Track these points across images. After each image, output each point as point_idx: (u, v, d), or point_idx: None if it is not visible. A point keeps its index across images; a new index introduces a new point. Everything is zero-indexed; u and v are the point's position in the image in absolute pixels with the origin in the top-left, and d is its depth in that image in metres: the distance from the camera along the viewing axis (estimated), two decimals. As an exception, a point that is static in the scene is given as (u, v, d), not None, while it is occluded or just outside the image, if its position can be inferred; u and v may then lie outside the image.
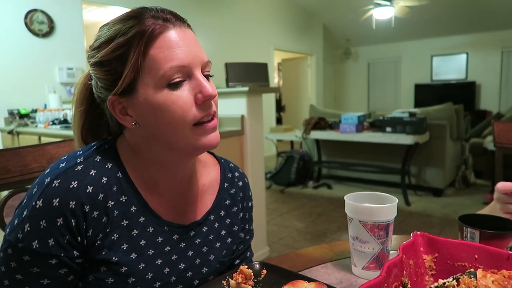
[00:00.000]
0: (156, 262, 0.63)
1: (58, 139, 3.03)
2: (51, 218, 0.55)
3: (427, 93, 8.59)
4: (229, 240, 0.74)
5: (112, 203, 0.59)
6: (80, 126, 0.68)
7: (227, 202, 0.75)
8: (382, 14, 6.04)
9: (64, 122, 3.15)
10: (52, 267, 0.56)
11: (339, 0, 7.30)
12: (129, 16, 0.59)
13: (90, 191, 0.57)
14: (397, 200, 0.69)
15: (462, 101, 7.71)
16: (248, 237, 0.82)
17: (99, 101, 0.64)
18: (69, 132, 2.69)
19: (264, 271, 0.67)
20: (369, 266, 0.68)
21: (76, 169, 0.58)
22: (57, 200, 0.55)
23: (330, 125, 4.35)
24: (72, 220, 0.55)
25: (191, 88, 0.58)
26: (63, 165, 0.59)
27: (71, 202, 0.55)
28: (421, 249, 0.63)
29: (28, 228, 0.54)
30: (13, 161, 0.97)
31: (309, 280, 0.60)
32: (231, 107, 2.43)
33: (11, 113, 3.63)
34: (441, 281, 0.56)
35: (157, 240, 0.64)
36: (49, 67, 4.00)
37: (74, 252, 0.57)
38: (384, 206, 0.66)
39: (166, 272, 0.65)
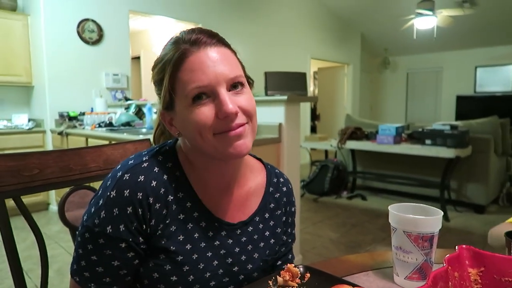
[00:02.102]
0: (207, 254, 0.69)
1: (104, 141, 3.20)
2: (122, 207, 0.62)
3: (470, 105, 8.24)
4: (272, 241, 0.78)
5: (172, 197, 0.67)
6: (154, 129, 0.82)
7: (272, 205, 0.80)
8: (423, 24, 5.90)
9: (109, 125, 3.32)
10: (122, 250, 0.63)
11: (378, 9, 7.21)
12: (169, 42, 0.67)
13: (154, 185, 0.65)
14: (442, 213, 0.69)
15: (507, 114, 7.35)
16: (290, 240, 0.85)
17: None
18: (114, 135, 2.83)
19: (308, 275, 0.70)
20: (412, 276, 0.69)
21: (142, 166, 0.66)
22: (127, 191, 0.63)
23: (366, 135, 4.29)
24: (139, 209, 0.63)
25: (214, 105, 0.63)
26: (132, 162, 0.67)
27: (138, 194, 0.63)
28: (466, 262, 0.64)
29: (104, 215, 0.62)
30: (74, 160, 1.06)
31: (353, 285, 0.62)
32: (270, 115, 2.47)
33: (61, 115, 3.87)
34: (487, 295, 0.57)
35: (208, 234, 0.70)
36: (97, 73, 4.24)
37: (140, 238, 0.64)
38: (429, 218, 0.67)
39: (215, 265, 0.70)
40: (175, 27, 5.97)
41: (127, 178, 0.64)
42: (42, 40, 3.84)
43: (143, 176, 0.64)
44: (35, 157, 0.98)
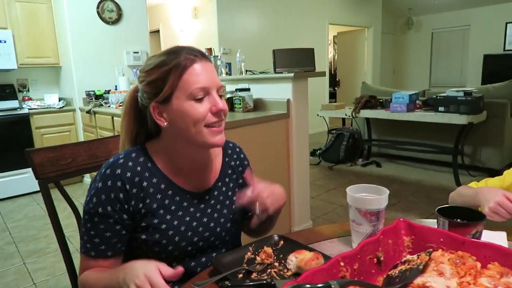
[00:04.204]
0: (186, 219, 0.92)
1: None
2: (107, 193, 0.85)
3: (499, 65, 7.88)
4: (234, 198, 1.01)
5: (146, 183, 0.88)
6: (129, 129, 0.95)
7: (229, 171, 1.03)
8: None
9: (132, 103, 3.55)
10: (111, 224, 0.86)
11: (400, -33, 6.92)
12: (171, 52, 0.86)
13: (129, 175, 0.87)
14: (388, 192, 0.86)
15: (538, 73, 7.05)
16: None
17: (142, 108, 0.91)
18: (137, 113, 3.05)
19: (282, 242, 0.90)
20: (363, 242, 0.86)
21: (119, 162, 0.88)
22: (110, 181, 0.85)
23: (381, 103, 4.34)
24: (120, 194, 0.85)
25: (208, 103, 0.85)
26: (111, 160, 0.89)
27: (118, 182, 0.85)
28: (402, 232, 0.81)
29: (95, 200, 0.85)
30: (100, 148, 1.28)
31: (311, 250, 0.81)
32: (278, 91, 2.61)
33: (88, 94, 4.14)
34: (408, 256, 0.74)
35: (183, 204, 0.92)
36: (118, 51, 4.44)
37: (124, 215, 0.86)
38: (374, 197, 0.84)
39: (194, 225, 0.92)
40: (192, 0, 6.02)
41: (108, 172, 0.86)
42: (66, 22, 4.05)
43: (119, 170, 0.86)
44: (69, 148, 1.20)
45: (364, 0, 7.85)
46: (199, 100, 0.83)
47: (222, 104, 0.85)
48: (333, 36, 9.33)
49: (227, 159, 1.04)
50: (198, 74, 0.83)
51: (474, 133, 3.85)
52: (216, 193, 0.98)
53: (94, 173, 1.26)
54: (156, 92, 0.85)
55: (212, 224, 0.95)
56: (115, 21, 4.37)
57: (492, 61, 8.05)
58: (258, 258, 0.85)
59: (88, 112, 3.89)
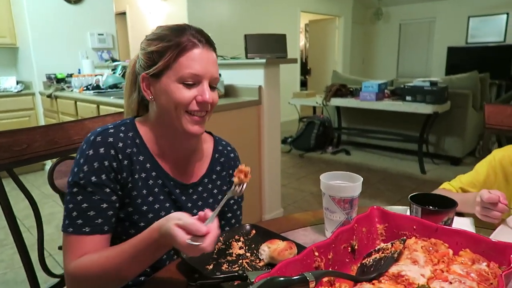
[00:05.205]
0: (166, 205, 0.88)
1: (92, 105, 3.27)
2: (100, 160, 0.79)
3: (461, 57, 8.18)
4: (219, 197, 0.96)
5: (134, 158, 0.84)
6: (128, 95, 0.94)
7: (218, 168, 0.98)
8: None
9: (96, 87, 3.39)
10: (107, 194, 0.79)
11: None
12: (176, 28, 0.83)
13: (121, 146, 0.82)
14: (362, 179, 0.84)
15: (498, 66, 7.35)
16: (240, 200, 1.02)
17: (136, 74, 0.88)
18: (101, 98, 2.92)
19: (253, 231, 0.87)
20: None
21: (109, 131, 0.83)
22: (102, 149, 0.80)
23: (351, 92, 4.39)
24: (113, 163, 0.80)
25: (196, 91, 0.82)
26: (99, 129, 0.84)
27: (111, 150, 0.80)
28: (376, 219, 0.79)
29: (86, 169, 0.78)
30: (59, 134, 1.19)
31: (283, 239, 0.79)
32: (250, 78, 2.56)
33: (49, 77, 3.91)
34: (382, 245, 0.73)
35: (165, 190, 0.88)
36: (81, 33, 4.21)
37: (117, 185, 0.81)
38: (348, 184, 0.82)
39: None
40: (160, -19, 5.79)
41: (99, 139, 0.80)
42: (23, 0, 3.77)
43: (112, 138, 0.81)
44: (24, 133, 1.11)
45: (336, -12, 7.87)
46: (188, 86, 0.80)
47: (209, 97, 0.81)
48: (305, 25, 9.32)
49: (216, 155, 0.99)
50: (195, 60, 0.80)
51: (438, 122, 3.98)
52: (200, 188, 0.94)
53: (54, 160, 1.18)
54: (149, 65, 0.82)
55: (195, 211, 0.90)
56: (78, 0, 4.13)
57: (455, 53, 8.34)
58: (236, 179, 0.75)
59: (49, 96, 3.68)
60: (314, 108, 5.26)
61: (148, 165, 0.86)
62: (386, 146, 4.63)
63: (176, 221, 0.63)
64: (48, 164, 4.14)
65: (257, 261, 0.77)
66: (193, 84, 0.81)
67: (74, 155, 1.21)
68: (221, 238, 0.84)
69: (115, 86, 3.44)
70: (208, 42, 0.84)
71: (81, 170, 0.78)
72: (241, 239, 0.85)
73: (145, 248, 0.68)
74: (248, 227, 0.89)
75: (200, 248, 0.61)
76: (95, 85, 3.47)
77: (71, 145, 1.20)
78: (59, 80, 3.87)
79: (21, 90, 4.06)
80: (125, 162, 0.82)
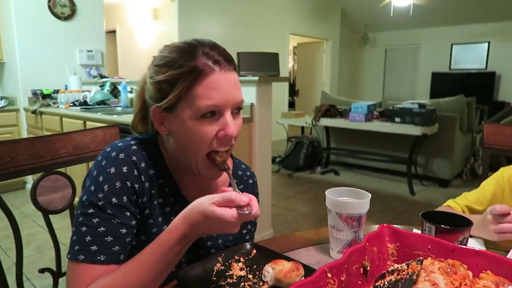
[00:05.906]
0: None
1: (79, 121, 3.19)
2: (123, 180, 0.70)
3: (445, 82, 8.43)
4: None
5: (154, 181, 0.76)
6: (134, 114, 0.85)
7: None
8: (400, 1, 5.96)
9: (84, 103, 3.31)
10: (128, 218, 0.70)
11: (357, -16, 7.20)
12: (186, 49, 0.70)
13: (143, 166, 0.74)
14: (370, 196, 0.80)
15: (480, 91, 7.56)
16: (253, 229, 0.97)
17: (146, 101, 0.78)
18: (88, 114, 2.85)
19: (254, 251, 0.81)
20: (343, 250, 0.80)
21: (132, 148, 0.74)
22: (125, 168, 0.71)
23: (340, 112, 4.41)
24: (136, 185, 0.72)
25: (217, 124, 0.70)
26: (121, 144, 0.74)
27: (135, 171, 0.72)
28: (386, 238, 0.75)
29: (107, 188, 0.69)
30: (44, 147, 1.11)
31: (288, 259, 0.73)
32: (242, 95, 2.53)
33: (34, 93, 3.82)
34: (396, 266, 0.68)
35: None
36: (70, 49, 4.15)
37: (137, 209, 0.72)
38: (357, 201, 0.78)
39: None
40: (150, 0, 5.83)
41: (122, 156, 0.71)
42: (12, 14, 3.71)
43: (135, 157, 0.73)
44: (6, 146, 1.03)
45: (324, 13, 8.06)
46: (207, 120, 0.69)
47: (234, 129, 0.70)
48: (293, 47, 9.48)
49: (236, 180, 0.91)
50: (213, 89, 0.67)
51: (426, 144, 4.01)
52: None
53: (39, 174, 1.10)
54: (160, 96, 0.71)
55: (201, 252, 0.83)
56: (68, 17, 4.09)
57: (439, 79, 8.59)
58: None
59: (34, 112, 3.57)
60: (303, 128, 5.26)
61: (167, 189, 0.78)
62: (375, 167, 4.63)
63: (210, 202, 0.59)
64: (30, 182, 3.99)
65: (260, 284, 0.71)
66: (213, 116, 0.70)
67: (61, 169, 1.15)
68: (219, 259, 0.78)
69: (103, 102, 3.37)
70: (227, 60, 0.70)
71: (101, 190, 0.68)
72: (241, 259, 0.78)
73: (167, 251, 0.63)
74: (248, 246, 0.83)
75: (253, 215, 0.58)
76: (82, 101, 3.40)
77: (57, 159, 1.13)
78: (45, 96, 3.77)
79: (4, 106, 3.94)
80: (147, 184, 0.73)
